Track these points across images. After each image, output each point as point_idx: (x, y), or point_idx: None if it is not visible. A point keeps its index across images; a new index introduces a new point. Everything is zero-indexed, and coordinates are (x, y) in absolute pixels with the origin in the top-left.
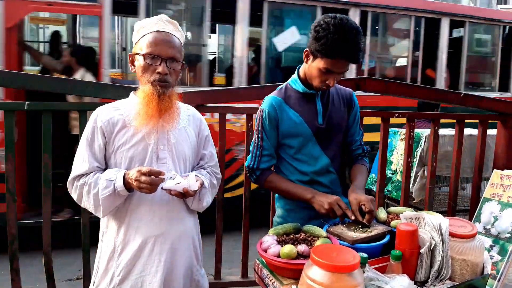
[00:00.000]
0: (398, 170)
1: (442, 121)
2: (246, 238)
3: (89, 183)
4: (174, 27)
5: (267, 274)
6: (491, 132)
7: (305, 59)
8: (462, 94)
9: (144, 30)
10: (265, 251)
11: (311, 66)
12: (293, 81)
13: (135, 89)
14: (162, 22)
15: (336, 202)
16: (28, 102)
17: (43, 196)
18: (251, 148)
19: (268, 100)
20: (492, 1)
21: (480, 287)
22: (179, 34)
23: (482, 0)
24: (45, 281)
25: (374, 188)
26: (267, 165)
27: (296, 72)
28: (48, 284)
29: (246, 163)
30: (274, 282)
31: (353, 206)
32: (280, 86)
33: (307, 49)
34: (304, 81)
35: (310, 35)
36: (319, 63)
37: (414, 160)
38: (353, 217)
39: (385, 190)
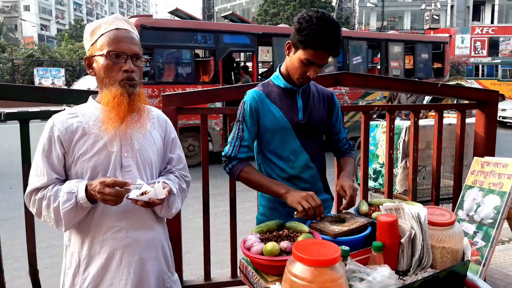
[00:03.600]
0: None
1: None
2: (234, 237)
3: (48, 197)
4: (130, 25)
5: (252, 272)
6: (470, 120)
7: (287, 51)
8: (439, 85)
9: (101, 29)
10: (249, 249)
11: (293, 58)
12: (275, 77)
13: (93, 93)
14: (119, 21)
15: (310, 195)
16: (5, 112)
17: (26, 206)
18: (229, 139)
19: (250, 93)
20: (469, 18)
21: (462, 272)
22: (136, 32)
23: (459, 15)
24: None
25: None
26: (245, 156)
27: (278, 69)
28: None
29: (223, 153)
30: (258, 280)
31: (338, 190)
32: (262, 82)
33: (289, 41)
34: (286, 76)
35: (293, 27)
36: (300, 54)
37: (398, 152)
38: (318, 218)
39: (377, 183)
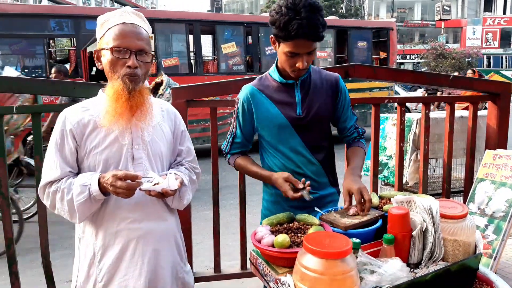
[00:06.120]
0: (393, 155)
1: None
2: (244, 230)
3: (62, 190)
4: (140, 18)
5: (262, 264)
6: (482, 112)
7: (273, 46)
8: (451, 77)
9: (109, 23)
10: (259, 241)
11: (279, 52)
12: (273, 71)
13: (103, 86)
14: (127, 14)
15: (286, 182)
16: (16, 106)
17: (38, 200)
18: (228, 133)
19: (244, 90)
20: (480, 8)
21: (473, 266)
22: (146, 25)
23: (470, 6)
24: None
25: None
26: (237, 151)
27: (275, 62)
28: (48, 286)
29: (222, 146)
30: (269, 271)
31: (344, 196)
32: (261, 76)
33: (271, 36)
34: (282, 70)
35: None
36: (283, 48)
37: (408, 144)
38: (299, 194)
39: (382, 176)
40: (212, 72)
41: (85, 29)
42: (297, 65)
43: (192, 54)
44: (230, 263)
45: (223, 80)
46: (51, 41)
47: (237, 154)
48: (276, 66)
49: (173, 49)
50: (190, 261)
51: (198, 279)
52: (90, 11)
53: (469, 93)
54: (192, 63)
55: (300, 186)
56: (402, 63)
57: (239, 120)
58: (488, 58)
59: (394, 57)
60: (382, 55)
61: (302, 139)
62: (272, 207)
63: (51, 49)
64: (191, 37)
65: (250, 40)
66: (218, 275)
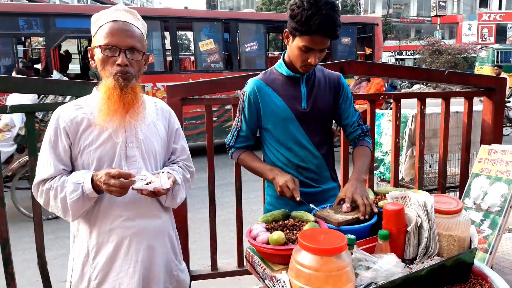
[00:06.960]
0: (388, 151)
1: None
2: (240, 227)
3: (55, 187)
4: (133, 16)
5: (258, 262)
6: (477, 108)
7: (286, 40)
8: (446, 72)
9: (100, 21)
10: (254, 239)
11: (292, 47)
12: (279, 65)
13: (97, 84)
14: (119, 12)
15: (286, 184)
16: (10, 105)
17: (33, 198)
18: (232, 126)
19: (250, 83)
20: (476, 4)
21: (468, 260)
22: (140, 23)
23: (466, 2)
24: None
25: None
26: (242, 145)
27: (282, 56)
28: (44, 286)
29: (225, 140)
30: (265, 269)
31: (337, 198)
32: (266, 70)
33: (286, 30)
34: (289, 64)
35: (287, 14)
36: (298, 42)
37: (403, 140)
38: (298, 198)
39: (378, 172)
40: (190, 70)
41: (55, 27)
42: (309, 60)
43: (169, 51)
44: (227, 260)
45: (212, 78)
46: (28, 40)
47: (241, 148)
48: (283, 61)
49: (148, 47)
50: (187, 259)
51: (195, 277)
52: (60, 9)
53: (372, 90)
54: (169, 60)
55: (298, 198)
56: (403, 59)
57: (245, 114)
58: None
59: (379, 53)
60: (368, 51)
61: (307, 133)
62: (276, 202)
63: (23, 48)
64: (167, 34)
65: (228, 37)
66: (215, 273)
